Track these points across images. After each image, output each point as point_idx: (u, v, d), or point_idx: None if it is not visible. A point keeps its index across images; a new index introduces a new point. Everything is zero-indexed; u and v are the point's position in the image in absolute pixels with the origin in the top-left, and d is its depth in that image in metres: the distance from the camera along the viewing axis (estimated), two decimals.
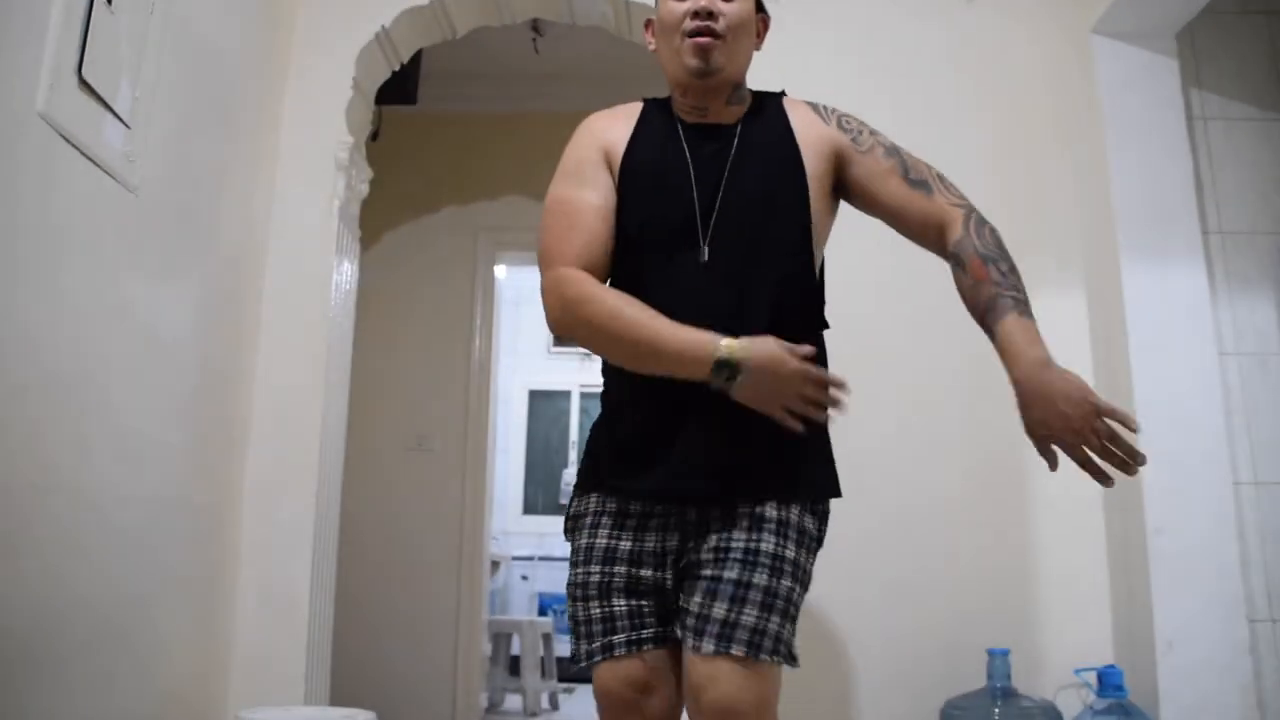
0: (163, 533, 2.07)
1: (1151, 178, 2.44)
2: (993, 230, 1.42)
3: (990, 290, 1.39)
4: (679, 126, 1.47)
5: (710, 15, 1.39)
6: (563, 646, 5.62)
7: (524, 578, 6.10)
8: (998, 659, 2.18)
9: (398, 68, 2.92)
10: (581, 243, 1.38)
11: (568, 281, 1.35)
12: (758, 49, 1.52)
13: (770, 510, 1.33)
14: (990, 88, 2.68)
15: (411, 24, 2.80)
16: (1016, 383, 1.36)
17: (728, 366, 1.26)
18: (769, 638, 1.27)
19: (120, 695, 1.90)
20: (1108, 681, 2.13)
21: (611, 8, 2.85)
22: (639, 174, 1.44)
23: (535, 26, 3.80)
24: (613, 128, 1.49)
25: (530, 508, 6.62)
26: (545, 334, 6.73)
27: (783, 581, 1.30)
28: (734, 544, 1.31)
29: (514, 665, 4.92)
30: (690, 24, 1.40)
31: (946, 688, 2.25)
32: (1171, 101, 2.48)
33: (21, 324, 1.59)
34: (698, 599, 1.30)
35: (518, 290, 6.51)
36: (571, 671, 5.65)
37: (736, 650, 1.25)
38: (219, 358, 2.34)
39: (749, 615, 1.27)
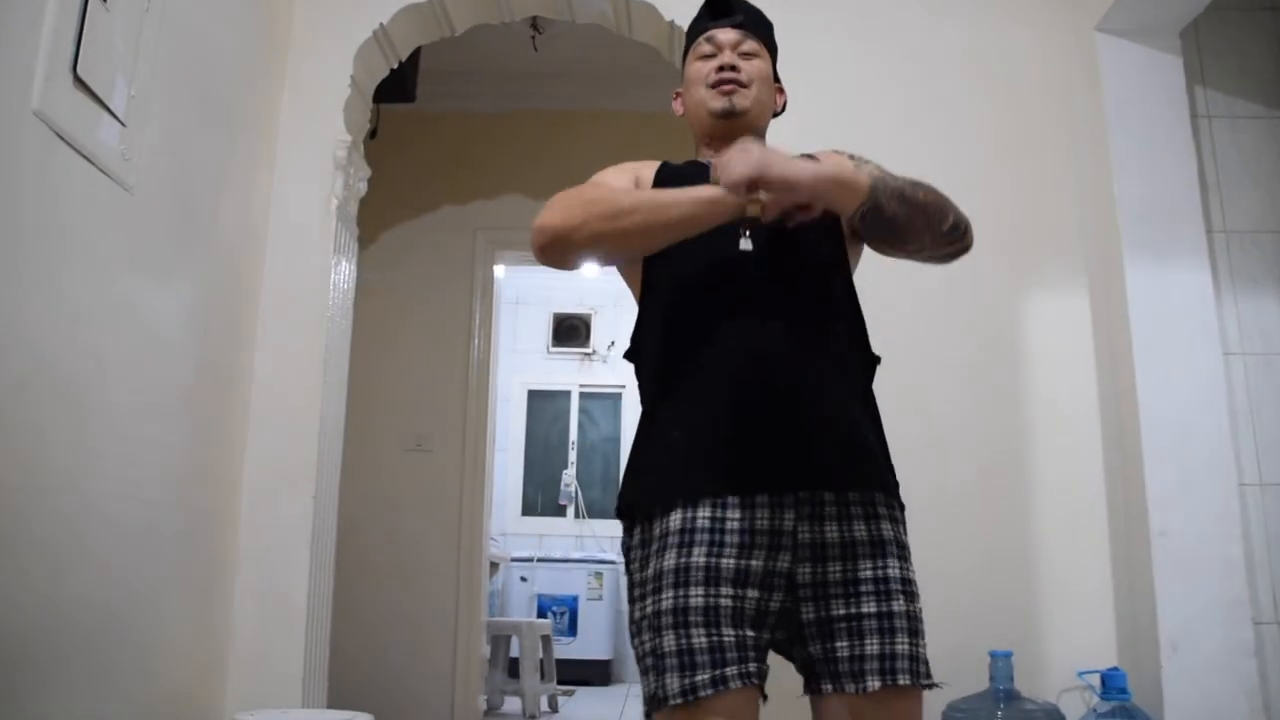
0: (160, 533, 2.06)
1: (1155, 176, 2.42)
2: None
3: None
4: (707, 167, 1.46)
5: (734, 68, 1.49)
6: (562, 648, 5.62)
7: (523, 579, 6.08)
8: (1000, 661, 2.17)
9: (396, 66, 2.91)
10: (610, 183, 1.43)
11: (560, 194, 1.36)
12: (776, 114, 1.58)
13: (886, 529, 1.29)
14: (994, 85, 2.66)
15: (410, 21, 2.79)
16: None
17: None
18: (922, 662, 1.26)
19: (118, 696, 1.89)
20: (1111, 684, 2.11)
21: (611, 6, 2.83)
22: (668, 181, 1.48)
23: (534, 24, 3.79)
24: (643, 168, 1.58)
25: (529, 508, 6.61)
26: (545, 334, 6.73)
27: (915, 604, 1.29)
28: (862, 574, 1.25)
29: (513, 667, 4.91)
30: (714, 76, 1.48)
31: (949, 690, 2.23)
32: (1176, 99, 2.47)
33: (18, 323, 1.58)
34: (843, 641, 1.23)
35: (517, 290, 6.51)
36: (571, 674, 5.67)
37: (902, 680, 1.22)
38: (217, 357, 2.32)
39: (902, 644, 1.24)
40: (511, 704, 4.87)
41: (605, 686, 5.87)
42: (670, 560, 1.24)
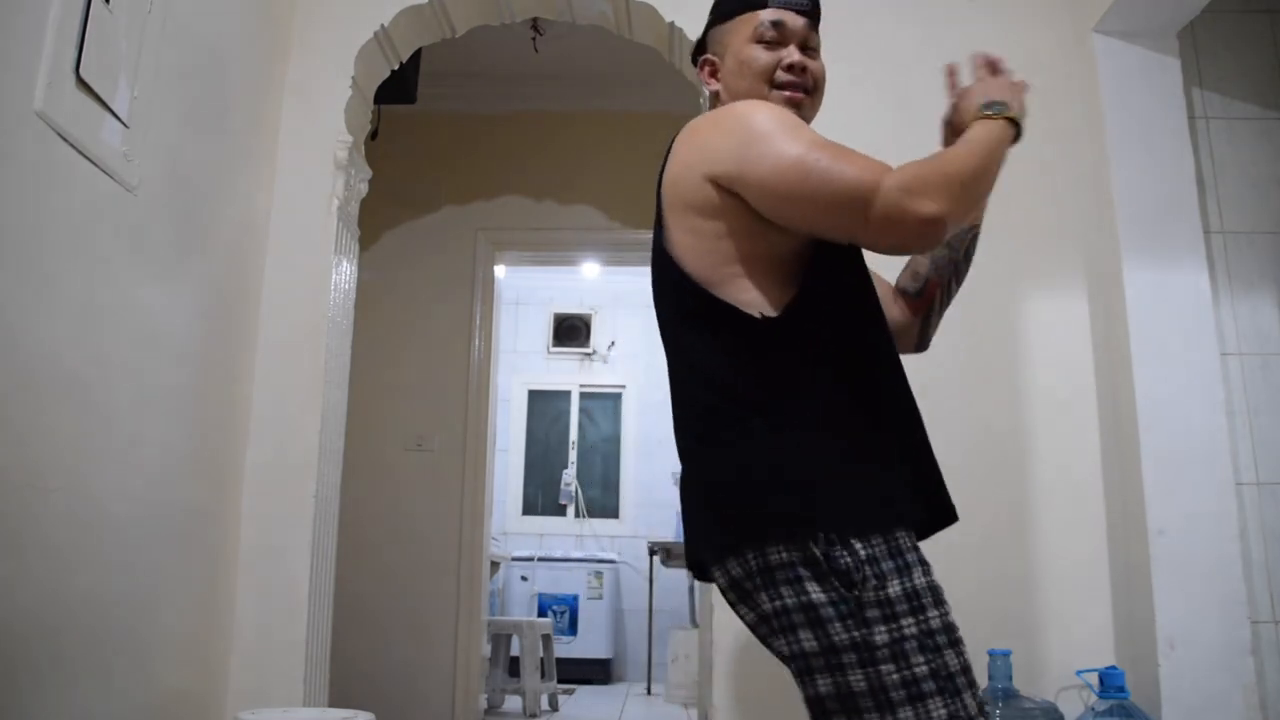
0: (161, 533, 2.06)
1: (1153, 177, 2.43)
2: None
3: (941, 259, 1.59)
4: None
5: (804, 70, 1.38)
6: (562, 647, 5.63)
7: (524, 578, 6.09)
8: (999, 660, 2.18)
9: (397, 67, 2.91)
10: (876, 160, 1.23)
11: (918, 178, 1.17)
12: None
13: None
14: None
15: (410, 23, 2.79)
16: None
17: (1019, 123, 1.29)
18: None
19: (119, 696, 1.90)
20: (1109, 682, 2.12)
21: (611, 6, 2.84)
22: None
23: (535, 25, 3.80)
24: None
25: (530, 508, 6.62)
26: (545, 334, 6.74)
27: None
28: None
29: (513, 666, 4.92)
30: (783, 76, 1.37)
31: None
32: (1173, 101, 2.47)
33: (20, 323, 1.59)
34: None
35: (518, 290, 6.52)
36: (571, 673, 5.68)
37: None
38: (218, 356, 2.33)
39: None
40: (512, 703, 4.87)
41: (605, 685, 5.88)
42: (929, 576, 1.18)
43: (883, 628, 1.11)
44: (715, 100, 1.44)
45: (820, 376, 1.21)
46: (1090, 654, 2.30)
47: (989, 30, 2.71)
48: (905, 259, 1.53)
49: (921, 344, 1.60)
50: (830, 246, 1.27)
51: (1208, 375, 2.33)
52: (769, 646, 1.23)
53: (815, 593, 1.13)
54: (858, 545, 1.14)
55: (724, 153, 1.25)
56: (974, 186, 1.19)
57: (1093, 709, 2.13)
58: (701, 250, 1.27)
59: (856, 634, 1.11)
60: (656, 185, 1.38)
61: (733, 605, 1.27)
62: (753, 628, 1.25)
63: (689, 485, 1.30)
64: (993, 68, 1.37)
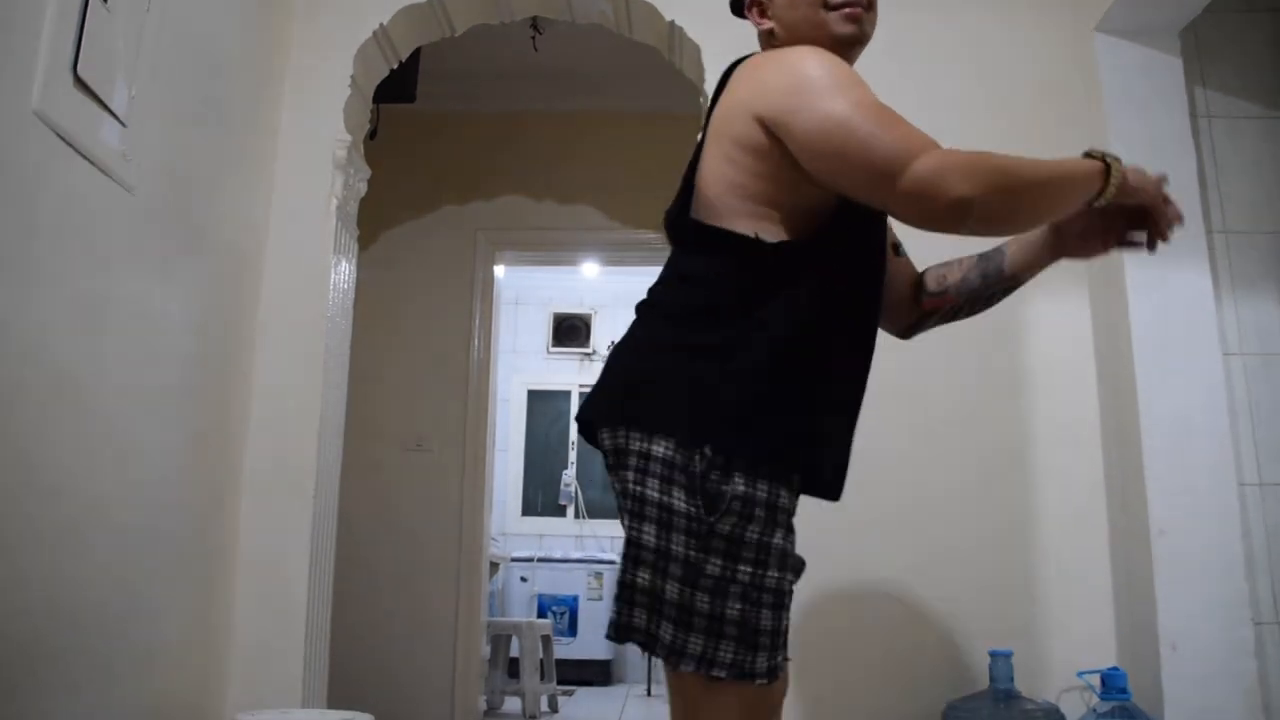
0: (160, 533, 2.06)
1: None
2: None
3: (970, 263, 1.60)
4: None
5: None
6: (562, 648, 5.62)
7: (523, 579, 6.08)
8: (1000, 661, 2.17)
9: (396, 66, 2.91)
10: (927, 135, 1.21)
11: (969, 157, 1.18)
12: None
13: None
14: (992, 85, 2.67)
15: (410, 21, 2.79)
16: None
17: (1112, 173, 1.28)
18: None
19: (118, 697, 1.89)
20: (1111, 684, 2.11)
21: (611, 6, 2.83)
22: None
23: (535, 24, 3.79)
24: None
25: (529, 509, 6.61)
26: (545, 334, 6.73)
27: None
28: None
29: (513, 667, 4.91)
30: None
31: (949, 689, 2.24)
32: (1175, 99, 2.47)
33: (18, 323, 1.58)
34: None
35: (517, 290, 6.51)
36: (571, 674, 5.67)
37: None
38: (217, 357, 2.32)
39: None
40: (511, 704, 4.87)
41: (605, 686, 5.88)
42: (788, 541, 1.22)
43: (719, 560, 1.16)
44: (769, 38, 1.43)
45: (791, 317, 1.23)
46: (1092, 655, 2.30)
47: (991, 29, 2.71)
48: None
49: (906, 334, 1.64)
50: (853, 221, 1.28)
51: (1210, 375, 2.32)
52: (620, 518, 1.28)
53: (678, 500, 1.18)
54: (739, 480, 1.17)
55: (776, 96, 1.25)
56: (1022, 192, 1.20)
57: (1094, 710, 2.13)
58: (731, 180, 1.28)
59: (693, 554, 1.16)
60: (705, 117, 1.38)
61: (608, 468, 1.31)
62: (616, 496, 1.29)
63: (623, 350, 1.33)
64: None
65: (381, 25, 2.72)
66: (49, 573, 1.67)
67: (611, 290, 6.62)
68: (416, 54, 3.23)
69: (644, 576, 1.19)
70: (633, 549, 1.21)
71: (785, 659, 1.21)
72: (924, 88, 2.67)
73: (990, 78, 2.67)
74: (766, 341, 1.22)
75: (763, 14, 1.43)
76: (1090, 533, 2.40)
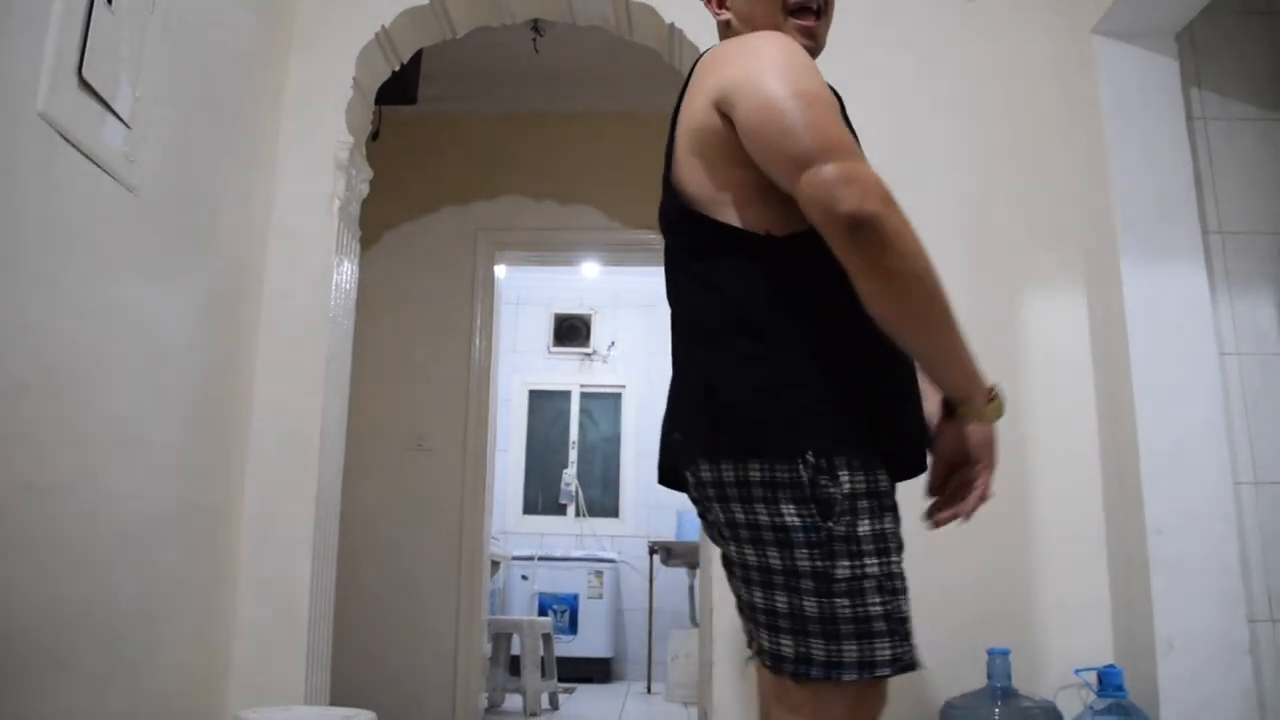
0: (162, 533, 2.07)
1: (1152, 177, 2.44)
2: None
3: None
4: None
5: None
6: (563, 646, 5.63)
7: (524, 578, 6.09)
8: (998, 659, 2.18)
9: (398, 67, 2.92)
10: (863, 153, 1.18)
11: (882, 185, 1.12)
12: None
13: None
14: (990, 87, 2.68)
15: (411, 23, 2.80)
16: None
17: (999, 402, 1.25)
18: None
19: (120, 695, 1.90)
20: (1108, 681, 2.12)
21: (611, 8, 2.84)
22: (850, 129, 1.34)
23: (535, 26, 3.80)
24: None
25: (530, 508, 6.62)
26: (546, 334, 6.74)
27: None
28: None
29: (514, 665, 4.92)
30: (795, 1, 1.37)
31: (946, 688, 2.25)
32: (1172, 101, 2.48)
33: (21, 324, 1.59)
34: None
35: (518, 290, 6.53)
36: (572, 671, 5.68)
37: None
38: (219, 357, 2.34)
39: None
40: (513, 701, 4.88)
41: (606, 684, 5.89)
42: (899, 524, 1.21)
43: (846, 563, 1.14)
44: (726, 29, 1.43)
45: (827, 305, 1.20)
46: (1089, 653, 2.31)
47: (988, 31, 2.72)
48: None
49: None
50: None
51: (1206, 375, 2.33)
52: (732, 550, 1.24)
53: (790, 515, 1.15)
54: (843, 476, 1.16)
55: (728, 78, 1.24)
56: (915, 259, 1.13)
57: (1091, 708, 2.14)
58: (705, 176, 1.27)
59: (820, 564, 1.14)
60: (673, 116, 1.37)
61: (695, 502, 1.28)
62: (710, 528, 1.27)
63: (680, 388, 1.31)
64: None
65: (383, 27, 2.73)
66: (49, 573, 1.68)
67: (611, 290, 6.63)
68: (418, 56, 3.24)
69: (781, 600, 1.17)
70: (764, 575, 1.18)
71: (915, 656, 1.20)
72: (922, 89, 2.68)
73: (988, 80, 2.68)
74: (815, 339, 1.20)
75: (721, 4, 1.44)
76: (1087, 531, 2.41)
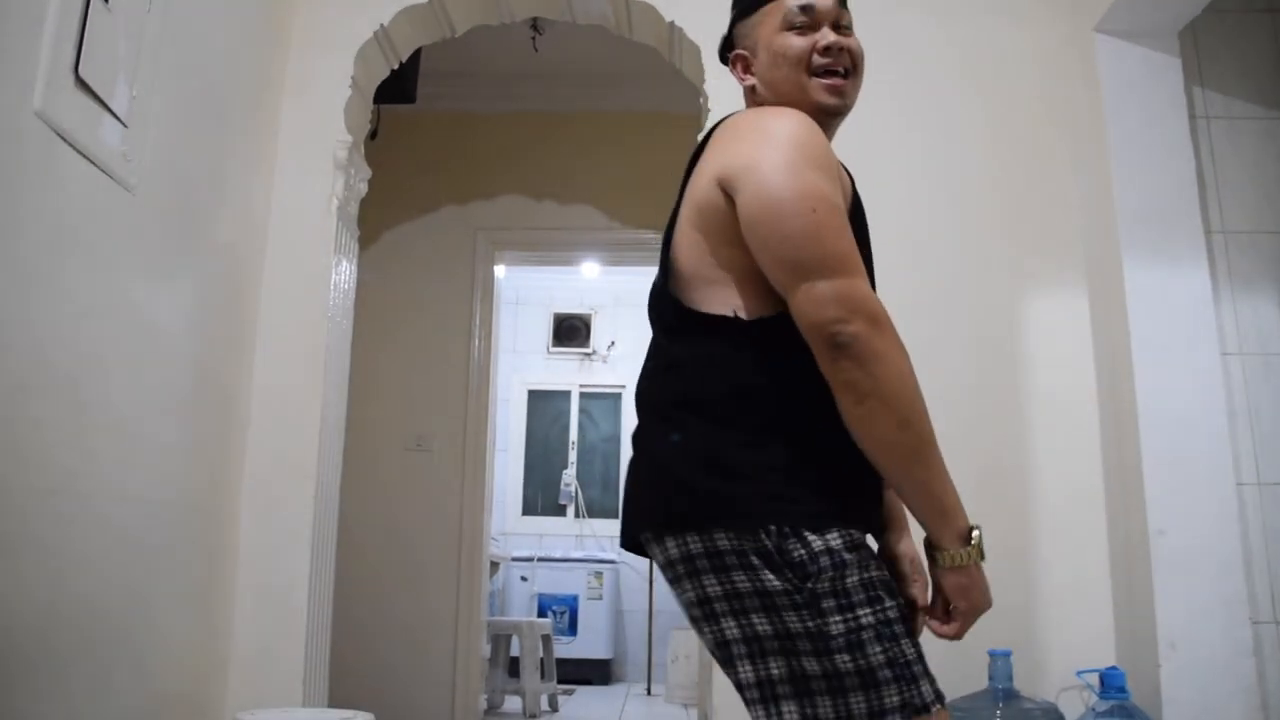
0: (160, 533, 2.06)
1: (1154, 177, 2.43)
2: None
3: None
4: None
5: (840, 50, 1.33)
6: (562, 647, 5.63)
7: (523, 579, 6.09)
8: (999, 660, 2.17)
9: (396, 66, 2.91)
10: (862, 266, 1.16)
11: (881, 310, 1.13)
12: None
13: None
14: (993, 86, 2.67)
15: (410, 22, 2.79)
16: (909, 544, 1.37)
17: (975, 546, 1.18)
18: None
19: (118, 696, 1.89)
20: (1110, 683, 2.12)
21: (611, 7, 2.84)
22: (860, 208, 1.32)
23: (535, 25, 3.79)
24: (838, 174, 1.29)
25: (530, 508, 6.61)
26: (545, 334, 6.73)
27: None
28: None
29: (513, 666, 4.91)
30: (820, 60, 1.32)
31: (948, 689, 2.22)
32: (1174, 100, 2.47)
33: (19, 323, 1.59)
34: None
35: (517, 290, 6.52)
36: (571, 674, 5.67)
37: None
38: (217, 357, 2.33)
39: None
40: (512, 703, 4.87)
41: (605, 686, 5.88)
42: (884, 570, 1.19)
43: (838, 618, 1.12)
44: (752, 94, 1.40)
45: (787, 380, 1.19)
46: (1091, 655, 2.30)
47: (991, 30, 2.71)
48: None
49: None
50: None
51: (1208, 375, 2.33)
52: (698, 628, 1.22)
53: (770, 580, 1.13)
54: (811, 537, 1.13)
55: (735, 157, 1.22)
56: (893, 383, 1.12)
57: (1093, 709, 2.13)
58: (702, 247, 1.24)
59: (811, 624, 1.11)
60: (682, 182, 1.35)
61: (669, 583, 1.26)
62: (687, 607, 1.23)
63: (639, 461, 1.30)
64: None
65: (382, 26, 2.72)
66: (49, 573, 1.67)
67: (611, 290, 6.62)
68: (417, 54, 3.23)
69: (777, 667, 1.13)
70: (751, 645, 1.14)
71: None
72: (924, 89, 2.67)
73: (990, 79, 2.67)
74: (768, 409, 1.19)
75: (746, 69, 1.39)
76: (1089, 532, 2.41)
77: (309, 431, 2.48)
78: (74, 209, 1.73)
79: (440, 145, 4.31)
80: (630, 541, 1.30)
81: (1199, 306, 2.36)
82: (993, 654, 2.18)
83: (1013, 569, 2.39)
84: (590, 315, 6.74)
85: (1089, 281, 2.54)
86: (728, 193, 1.21)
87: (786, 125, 1.22)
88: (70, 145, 1.70)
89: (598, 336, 6.72)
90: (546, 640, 4.97)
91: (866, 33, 2.70)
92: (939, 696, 1.15)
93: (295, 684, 2.35)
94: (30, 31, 1.59)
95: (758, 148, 1.20)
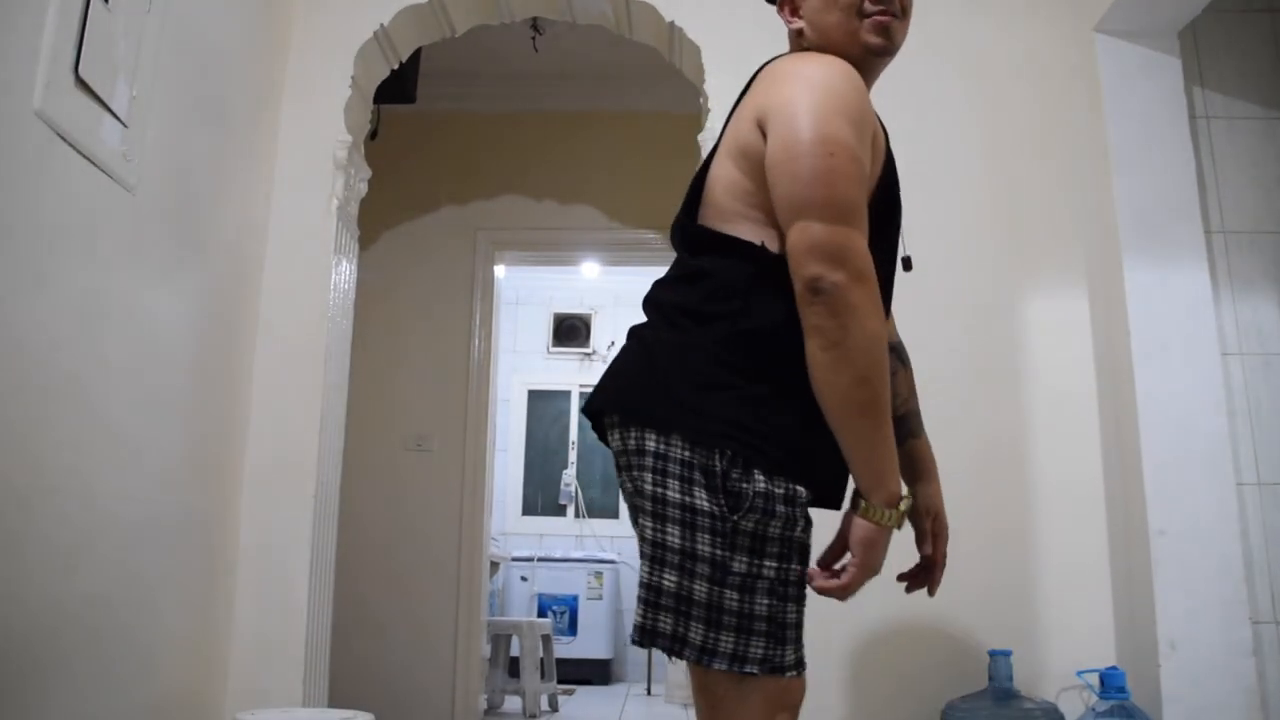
0: (160, 532, 2.06)
1: (1154, 177, 2.43)
2: None
3: (915, 402, 1.56)
4: None
5: None
6: (562, 648, 5.63)
7: (523, 579, 6.09)
8: (1000, 660, 2.17)
9: (396, 66, 2.91)
10: (865, 220, 1.19)
11: (868, 266, 1.15)
12: None
13: None
14: (992, 86, 2.67)
15: (410, 22, 2.79)
16: (931, 496, 1.49)
17: (900, 512, 1.19)
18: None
19: (118, 696, 1.89)
20: (1110, 683, 2.12)
21: (611, 6, 2.84)
22: (892, 161, 1.34)
23: (535, 25, 3.80)
24: (872, 127, 1.30)
25: (530, 508, 6.61)
26: (545, 334, 6.73)
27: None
28: None
29: (513, 666, 4.91)
30: (872, 7, 1.33)
31: (948, 689, 2.24)
32: (1174, 100, 2.47)
33: (19, 323, 1.58)
34: None
35: (517, 290, 6.52)
36: (571, 673, 5.67)
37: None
38: (217, 357, 2.33)
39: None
40: (512, 703, 4.87)
41: (605, 686, 5.88)
42: (808, 534, 1.22)
43: (744, 558, 1.16)
44: (799, 37, 1.40)
45: (796, 324, 1.20)
46: (1091, 654, 2.30)
47: (991, 30, 2.71)
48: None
49: None
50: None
51: (1208, 375, 2.32)
52: (632, 517, 1.27)
53: (700, 499, 1.17)
54: (759, 477, 1.17)
55: (773, 98, 1.24)
56: (861, 337, 1.14)
57: (1093, 709, 2.13)
58: (737, 184, 1.27)
59: (719, 552, 1.16)
60: (727, 117, 1.37)
61: (618, 468, 1.30)
62: (627, 496, 1.28)
63: (632, 347, 1.32)
64: None
65: (382, 26, 2.72)
66: (49, 572, 1.67)
67: (611, 290, 6.62)
68: (417, 54, 3.23)
69: (670, 578, 1.18)
70: (656, 550, 1.19)
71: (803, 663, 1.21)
72: (924, 88, 2.67)
73: (990, 78, 2.67)
74: (769, 340, 1.21)
75: (794, 12, 1.39)
76: (1089, 532, 2.41)
77: (309, 431, 2.47)
78: (74, 209, 1.73)
79: (440, 145, 4.31)
80: (594, 414, 1.34)
81: (1199, 306, 2.36)
82: (993, 654, 2.18)
83: (1013, 568, 2.39)
84: (590, 315, 6.74)
85: (1089, 281, 2.54)
86: (763, 130, 1.24)
87: (825, 72, 1.24)
88: (70, 145, 1.70)
89: (598, 336, 6.72)
90: (546, 640, 4.97)
91: None
92: (799, 665, 1.19)
93: (295, 684, 2.35)
94: (30, 31, 1.59)
95: (794, 91, 1.23)
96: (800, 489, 1.19)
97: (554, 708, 4.94)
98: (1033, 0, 2.71)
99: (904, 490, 1.21)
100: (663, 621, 1.18)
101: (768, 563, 1.17)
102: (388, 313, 4.03)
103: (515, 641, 4.87)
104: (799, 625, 1.20)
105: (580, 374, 6.72)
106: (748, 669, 1.15)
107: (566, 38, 3.81)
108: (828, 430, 1.20)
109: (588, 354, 6.71)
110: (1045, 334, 2.52)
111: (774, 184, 1.20)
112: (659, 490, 1.20)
